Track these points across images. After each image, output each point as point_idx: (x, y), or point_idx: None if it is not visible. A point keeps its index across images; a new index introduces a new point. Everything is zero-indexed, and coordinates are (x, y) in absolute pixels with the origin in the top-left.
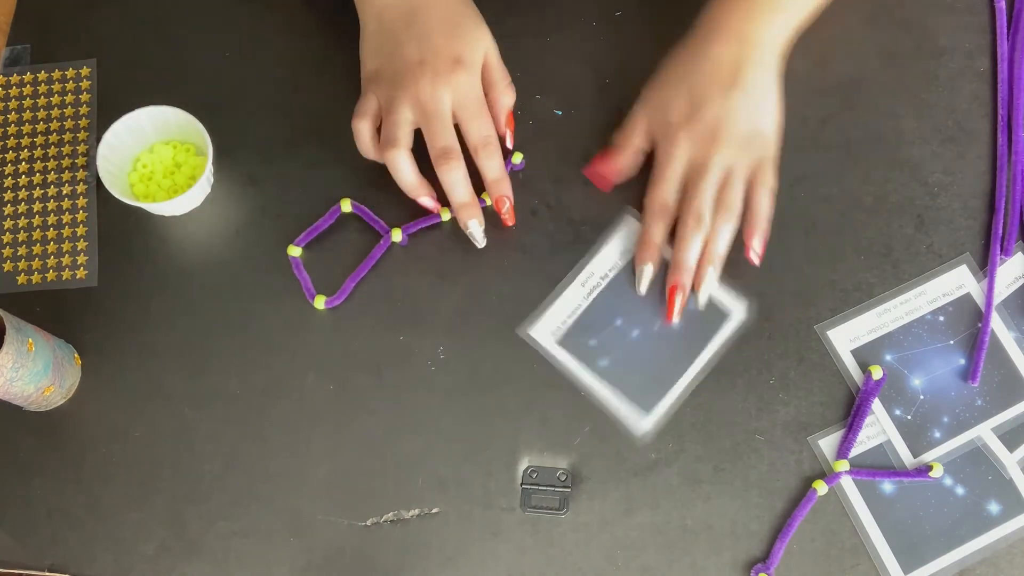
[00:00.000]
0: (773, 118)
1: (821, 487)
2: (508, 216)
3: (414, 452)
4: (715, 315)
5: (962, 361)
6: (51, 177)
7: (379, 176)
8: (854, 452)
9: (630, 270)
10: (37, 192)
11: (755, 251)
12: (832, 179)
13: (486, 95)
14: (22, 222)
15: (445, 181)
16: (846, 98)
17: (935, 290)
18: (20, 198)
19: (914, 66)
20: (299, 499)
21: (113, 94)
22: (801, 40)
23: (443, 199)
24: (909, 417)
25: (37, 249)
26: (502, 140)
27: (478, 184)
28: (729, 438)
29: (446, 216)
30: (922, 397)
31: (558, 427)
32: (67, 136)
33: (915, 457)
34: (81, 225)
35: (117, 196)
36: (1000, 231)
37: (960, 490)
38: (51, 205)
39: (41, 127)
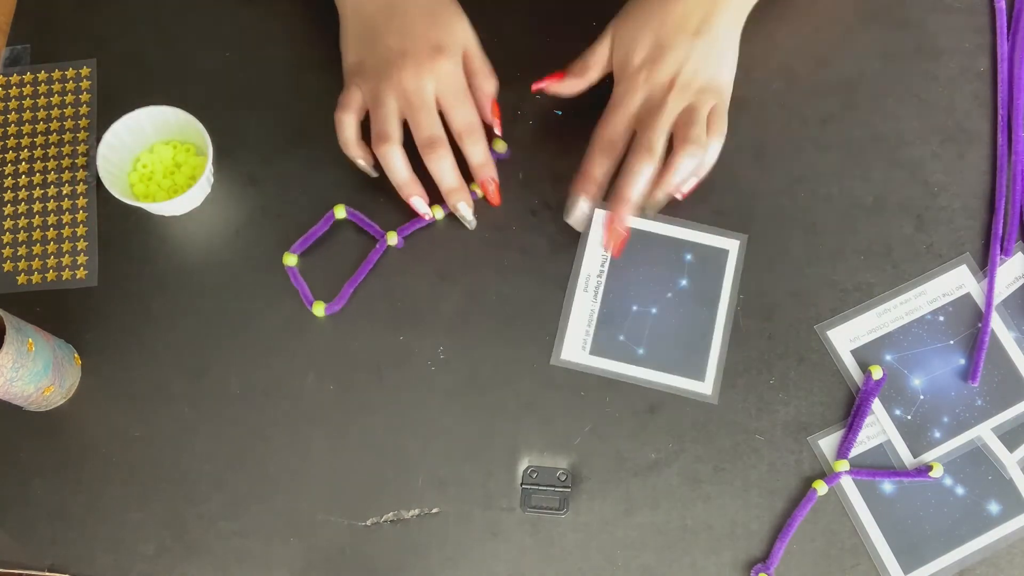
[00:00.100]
0: (731, 70)
1: (821, 487)
2: (494, 196)
3: (414, 452)
4: (713, 259)
5: (962, 361)
6: (51, 177)
7: (372, 178)
8: (854, 452)
9: (622, 257)
10: (37, 192)
11: (684, 191)
12: (832, 179)
13: (469, 84)
14: (22, 222)
15: (433, 169)
16: (846, 98)
17: (935, 290)
18: (20, 198)
19: (914, 66)
20: (299, 499)
21: (113, 94)
22: (801, 40)
23: (432, 194)
24: (909, 417)
25: (37, 249)
26: (490, 129)
27: (464, 170)
28: (729, 438)
29: (438, 214)
30: (922, 397)
31: (558, 427)
32: (67, 136)
33: (915, 457)
34: (81, 225)
35: (117, 196)
36: (1000, 231)
37: (960, 490)
38: (51, 205)
39: (41, 127)
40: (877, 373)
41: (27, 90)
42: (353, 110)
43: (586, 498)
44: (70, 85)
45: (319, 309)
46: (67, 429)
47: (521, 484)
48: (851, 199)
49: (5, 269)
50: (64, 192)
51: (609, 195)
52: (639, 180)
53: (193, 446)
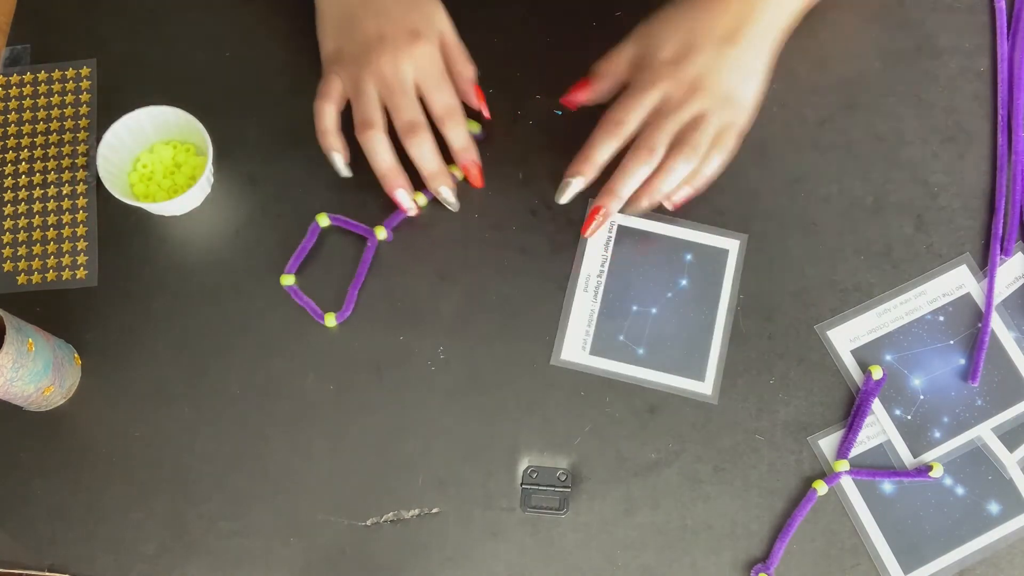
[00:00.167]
0: (756, 88)
1: (821, 487)
2: (477, 179)
3: (414, 452)
4: (713, 259)
5: (962, 361)
6: (51, 177)
7: (348, 178)
8: (854, 452)
9: (622, 257)
10: (37, 192)
11: (675, 200)
12: (832, 179)
13: (448, 71)
14: (22, 222)
15: (414, 154)
16: (846, 98)
17: (935, 290)
18: (20, 198)
19: (914, 66)
20: (299, 499)
21: (113, 94)
22: (801, 40)
23: (414, 180)
24: (909, 417)
25: (37, 249)
26: (479, 113)
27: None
28: (729, 438)
29: (421, 200)
30: (922, 397)
31: (558, 427)
32: (67, 136)
33: (915, 457)
34: (81, 225)
35: (117, 196)
36: (1000, 231)
37: (960, 490)
38: (51, 205)
39: (41, 127)
40: (877, 373)
41: (27, 90)
42: (333, 99)
43: (586, 498)
44: (70, 85)
45: (331, 320)
46: (67, 429)
47: (521, 484)
48: (851, 199)
49: (5, 269)
50: (64, 192)
51: (600, 184)
52: (633, 179)
53: (193, 446)
